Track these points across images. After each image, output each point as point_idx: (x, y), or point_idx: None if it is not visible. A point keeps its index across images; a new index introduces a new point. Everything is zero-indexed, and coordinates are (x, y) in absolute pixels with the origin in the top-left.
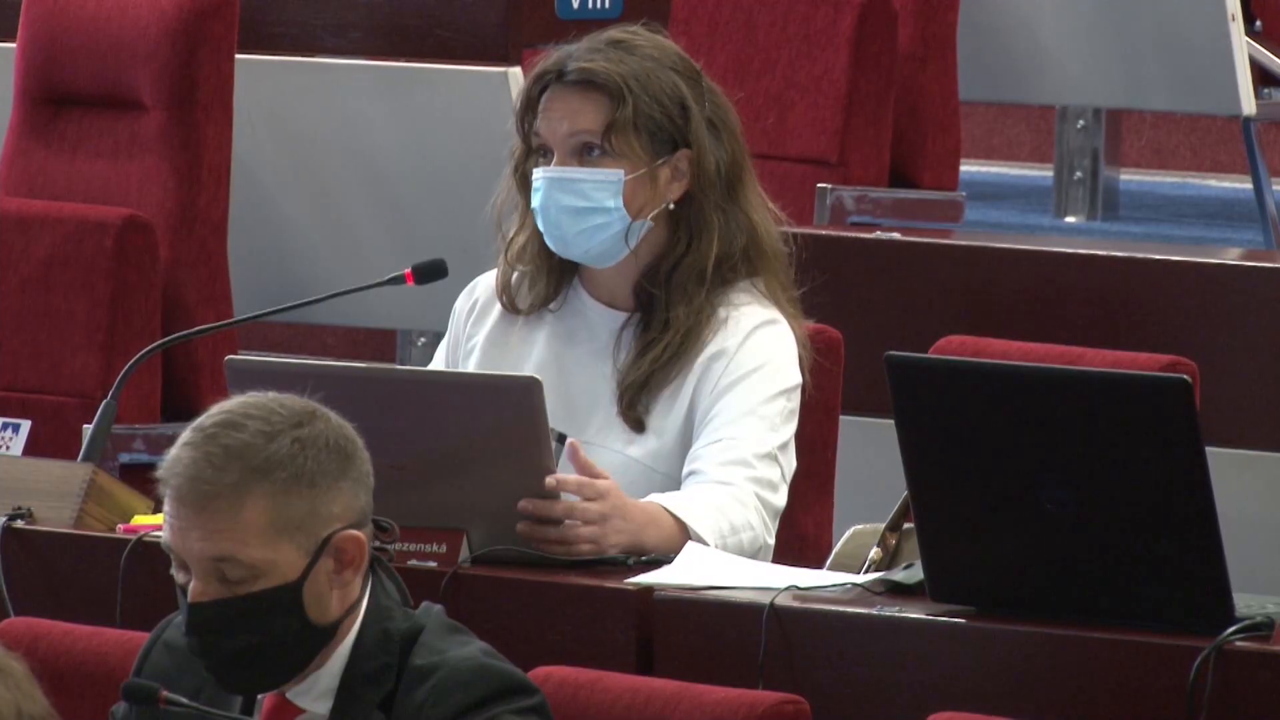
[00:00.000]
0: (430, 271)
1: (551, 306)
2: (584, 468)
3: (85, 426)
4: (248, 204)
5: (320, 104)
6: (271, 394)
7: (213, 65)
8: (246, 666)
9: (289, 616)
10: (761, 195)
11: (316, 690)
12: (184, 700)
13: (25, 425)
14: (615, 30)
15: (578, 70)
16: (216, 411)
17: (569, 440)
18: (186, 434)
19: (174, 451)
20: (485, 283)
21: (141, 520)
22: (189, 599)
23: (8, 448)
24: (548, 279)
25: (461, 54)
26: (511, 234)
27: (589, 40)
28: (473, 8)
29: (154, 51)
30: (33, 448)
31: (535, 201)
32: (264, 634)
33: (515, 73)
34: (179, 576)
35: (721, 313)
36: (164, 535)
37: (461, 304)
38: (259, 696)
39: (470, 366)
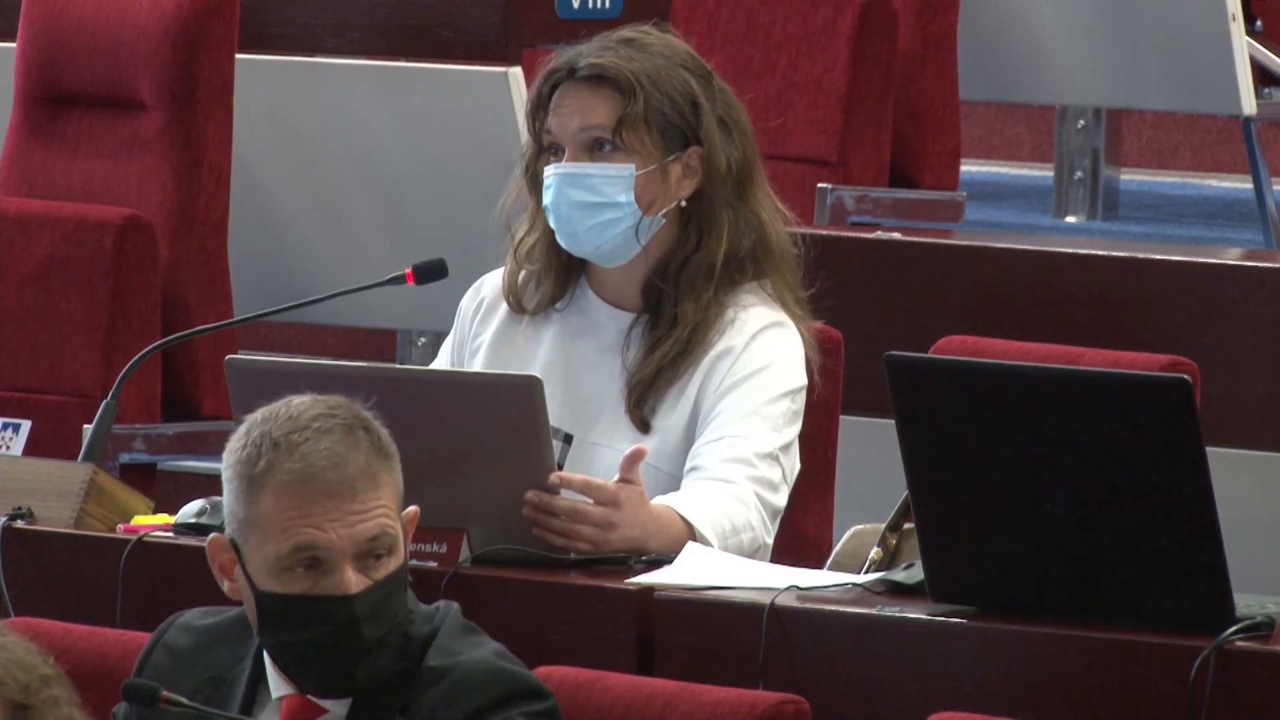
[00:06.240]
0: (430, 271)
1: (558, 306)
2: (626, 472)
3: (85, 426)
4: (248, 204)
5: (320, 104)
6: (308, 395)
7: (213, 65)
8: (377, 656)
9: (403, 597)
10: (771, 195)
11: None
12: (184, 700)
13: (25, 425)
14: (626, 30)
15: (589, 66)
16: (296, 412)
17: (635, 446)
18: (285, 438)
19: (281, 455)
20: (491, 282)
21: (141, 520)
22: (344, 593)
23: (8, 448)
24: (555, 279)
25: (461, 54)
26: (521, 234)
27: (600, 39)
28: (473, 7)
29: (154, 51)
30: (33, 448)
31: (546, 199)
32: (394, 618)
33: (515, 73)
34: (297, 584)
35: (729, 313)
36: (290, 540)
37: (467, 303)
38: (276, 697)
39: (476, 366)
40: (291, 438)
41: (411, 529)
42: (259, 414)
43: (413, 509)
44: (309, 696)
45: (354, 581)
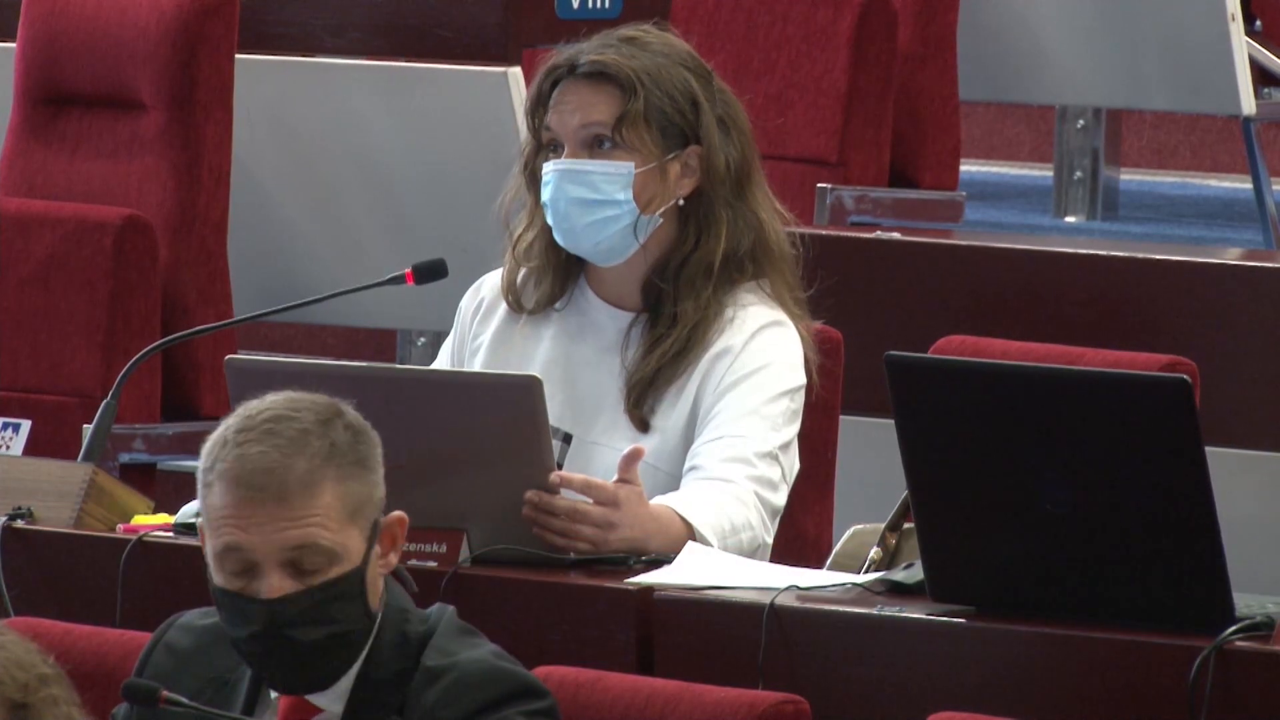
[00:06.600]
0: (430, 271)
1: (557, 306)
2: (625, 472)
3: (85, 426)
4: (247, 204)
5: (320, 104)
6: (290, 392)
7: (212, 65)
8: (318, 660)
9: (355, 603)
10: (769, 195)
11: (335, 690)
12: (184, 700)
13: (25, 425)
14: (627, 28)
15: (590, 63)
16: (256, 410)
17: (634, 446)
18: (233, 435)
19: (227, 452)
20: (491, 281)
21: (141, 520)
22: (266, 597)
23: (8, 447)
24: (554, 277)
25: (461, 54)
26: (519, 231)
27: (600, 37)
28: (472, 7)
29: (154, 51)
30: (33, 447)
31: (545, 195)
32: (339, 623)
33: (515, 73)
34: (233, 581)
35: (728, 312)
36: (221, 538)
37: (467, 303)
38: (274, 696)
39: (476, 365)
40: (238, 436)
41: (403, 532)
42: (240, 407)
43: (397, 514)
44: (305, 696)
45: (276, 586)
